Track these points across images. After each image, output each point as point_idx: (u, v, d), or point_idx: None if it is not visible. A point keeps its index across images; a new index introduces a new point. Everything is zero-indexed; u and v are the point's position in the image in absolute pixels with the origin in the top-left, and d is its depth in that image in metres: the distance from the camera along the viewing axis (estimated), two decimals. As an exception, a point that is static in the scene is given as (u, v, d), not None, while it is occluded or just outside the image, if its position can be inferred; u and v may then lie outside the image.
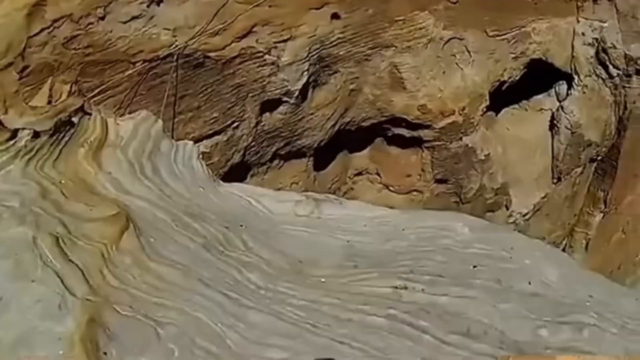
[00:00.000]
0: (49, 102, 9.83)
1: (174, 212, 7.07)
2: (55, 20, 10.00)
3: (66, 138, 8.15)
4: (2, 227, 6.44)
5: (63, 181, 7.47)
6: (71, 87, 9.95)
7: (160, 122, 8.81)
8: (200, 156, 8.72)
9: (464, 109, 13.20)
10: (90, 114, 8.77)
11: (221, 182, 8.70)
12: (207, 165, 10.06)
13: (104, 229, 6.45)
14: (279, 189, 11.58)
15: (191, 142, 8.80)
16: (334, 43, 11.41)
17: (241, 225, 7.21)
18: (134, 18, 10.15)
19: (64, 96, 9.89)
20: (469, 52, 13.44)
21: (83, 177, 7.62)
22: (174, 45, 10.16)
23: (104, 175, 7.67)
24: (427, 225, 7.78)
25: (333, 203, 8.28)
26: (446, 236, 7.56)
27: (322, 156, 12.25)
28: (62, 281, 5.83)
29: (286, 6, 10.85)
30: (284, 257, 6.89)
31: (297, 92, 10.98)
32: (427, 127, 12.89)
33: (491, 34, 13.63)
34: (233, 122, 10.87)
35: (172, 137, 10.12)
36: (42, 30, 9.99)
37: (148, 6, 10.23)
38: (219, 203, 7.79)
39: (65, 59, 9.98)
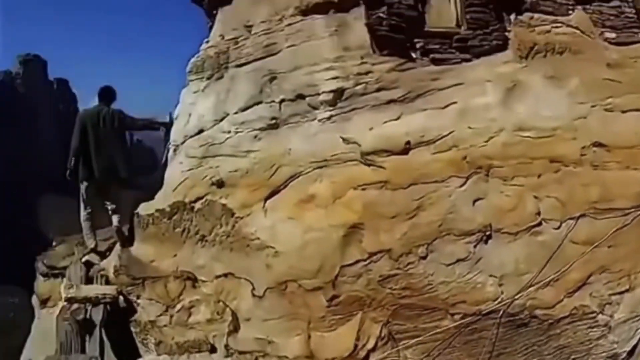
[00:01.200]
0: (357, 339, 9.20)
1: None
2: (372, 254, 9.18)
3: None
4: None
5: None
6: (381, 328, 9.17)
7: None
8: None
9: None
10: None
11: None
12: None
13: None
14: None
15: None
16: (669, 284, 9.76)
17: None
18: (458, 261, 9.03)
19: (372, 339, 9.19)
20: None
21: None
22: (499, 299, 8.94)
23: None
24: None
25: None
26: None
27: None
28: None
29: (627, 244, 9.22)
30: None
31: (624, 354, 9.63)
32: None
33: None
34: (543, 384, 9.69)
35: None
36: (357, 261, 9.20)
37: (475, 246, 9.03)
38: None
39: (379, 296, 9.15)
